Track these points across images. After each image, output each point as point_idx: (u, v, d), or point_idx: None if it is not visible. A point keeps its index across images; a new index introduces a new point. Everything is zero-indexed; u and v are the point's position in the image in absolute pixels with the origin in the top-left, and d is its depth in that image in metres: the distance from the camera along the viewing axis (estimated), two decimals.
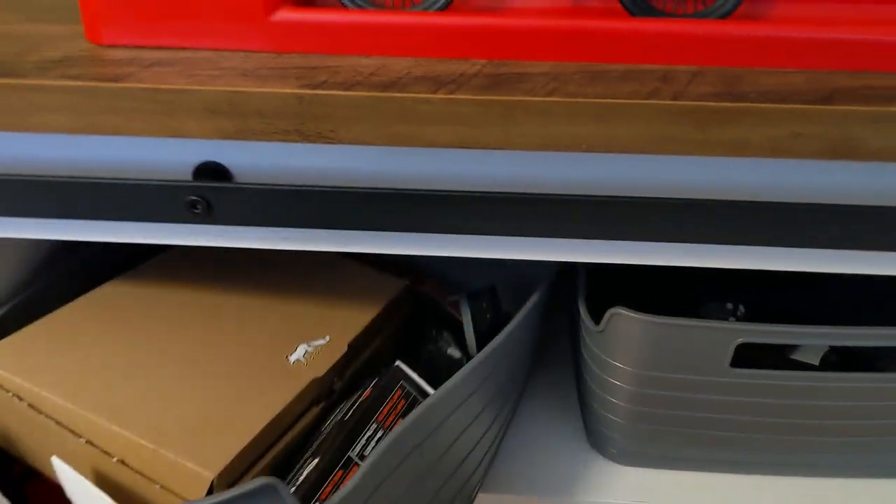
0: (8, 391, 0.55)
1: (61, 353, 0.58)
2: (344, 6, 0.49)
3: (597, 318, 0.64)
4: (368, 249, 0.53)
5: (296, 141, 0.46)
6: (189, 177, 0.52)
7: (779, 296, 0.79)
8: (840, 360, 0.75)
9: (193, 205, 0.50)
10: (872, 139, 0.45)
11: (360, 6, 0.49)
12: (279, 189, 0.50)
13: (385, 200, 0.50)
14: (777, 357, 0.76)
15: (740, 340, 0.61)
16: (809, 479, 0.71)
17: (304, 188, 0.50)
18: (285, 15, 0.47)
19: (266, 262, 0.73)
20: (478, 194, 0.49)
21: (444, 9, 0.49)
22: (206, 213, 0.50)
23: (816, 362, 0.75)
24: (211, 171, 0.52)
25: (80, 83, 0.45)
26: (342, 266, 0.75)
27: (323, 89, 0.45)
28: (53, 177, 0.50)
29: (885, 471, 0.70)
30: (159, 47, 0.49)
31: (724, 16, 0.49)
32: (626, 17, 0.50)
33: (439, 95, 0.44)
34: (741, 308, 0.81)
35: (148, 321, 0.63)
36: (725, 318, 0.80)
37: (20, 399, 0.54)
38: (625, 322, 0.61)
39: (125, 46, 0.49)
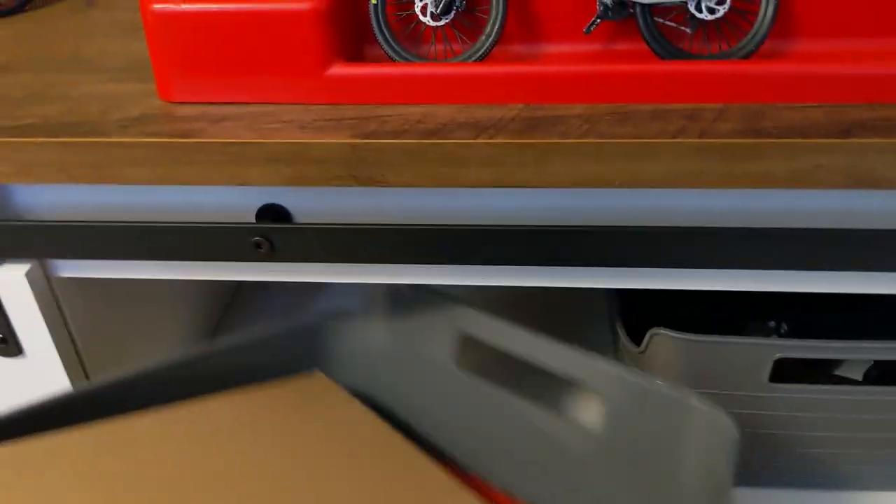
0: None
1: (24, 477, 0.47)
2: (391, 59, 0.53)
3: (639, 339, 0.66)
4: (417, 280, 0.57)
5: (350, 185, 0.50)
6: (252, 218, 0.56)
7: (822, 315, 0.81)
8: (882, 374, 0.76)
9: (258, 245, 0.55)
10: (891, 169, 0.47)
11: (405, 59, 0.53)
12: (335, 228, 0.54)
13: (431, 236, 0.53)
14: (821, 374, 0.77)
15: (778, 356, 0.63)
16: (855, 492, 0.72)
17: (358, 226, 0.54)
18: (338, 70, 0.52)
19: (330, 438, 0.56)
20: (518, 228, 0.53)
21: (483, 58, 0.53)
22: (269, 251, 0.55)
23: (860, 378, 0.77)
24: (272, 213, 0.56)
25: (156, 140, 0.50)
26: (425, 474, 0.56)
27: (374, 138, 0.49)
28: (132, 222, 0.55)
29: None
30: (225, 103, 0.53)
31: (747, 56, 0.52)
32: (653, 59, 0.53)
33: (480, 140, 0.48)
34: (784, 326, 0.83)
35: (151, 462, 0.51)
36: (768, 337, 0.82)
37: None
38: (665, 342, 0.64)
39: (194, 103, 0.54)
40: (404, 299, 0.65)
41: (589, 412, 0.62)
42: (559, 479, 0.59)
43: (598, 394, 0.56)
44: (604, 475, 0.56)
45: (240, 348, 0.61)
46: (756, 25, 0.51)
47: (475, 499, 0.52)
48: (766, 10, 0.51)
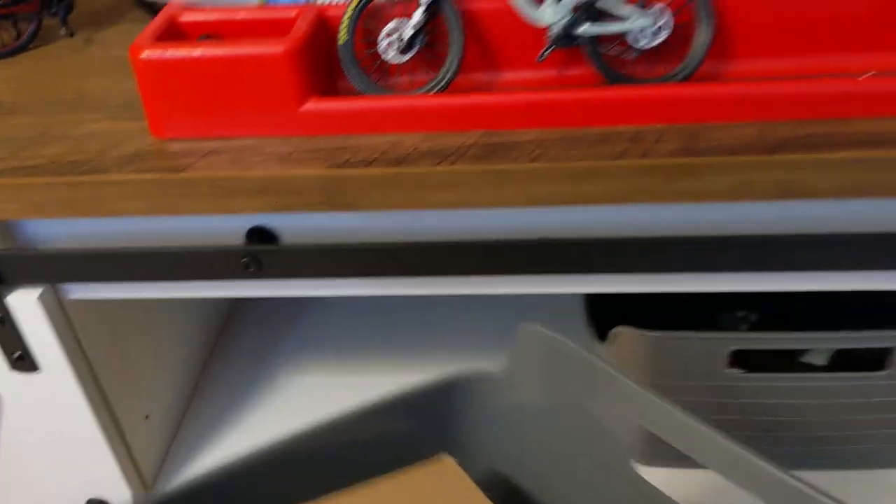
0: None
1: None
2: (361, 93, 0.58)
3: None
4: (393, 292, 0.62)
5: (326, 210, 0.55)
6: (242, 239, 0.62)
7: (791, 305, 0.85)
8: (844, 360, 0.80)
9: (247, 265, 0.60)
10: (818, 182, 0.51)
11: (375, 92, 0.58)
12: (315, 248, 0.59)
13: (403, 252, 0.58)
14: (788, 361, 0.82)
15: (733, 347, 0.68)
16: (818, 471, 0.76)
17: (335, 246, 0.59)
18: (313, 105, 0.56)
19: None
20: (479, 242, 0.58)
21: (445, 88, 0.58)
22: (257, 270, 0.60)
23: (825, 363, 0.81)
24: (260, 234, 0.61)
25: (151, 176, 0.55)
26: None
27: (346, 167, 0.54)
28: (133, 248, 0.60)
29: (884, 461, 0.76)
30: (212, 138, 0.58)
31: (686, 78, 0.56)
32: (602, 85, 0.57)
33: (441, 168, 0.53)
34: (752, 317, 0.87)
35: None
36: (737, 326, 0.87)
37: None
38: (628, 338, 0.69)
39: (183, 139, 0.59)
40: (565, 363, 0.52)
41: None
42: None
43: None
44: None
45: (371, 414, 0.56)
46: (692, 50, 0.56)
47: None
48: (700, 36, 0.56)
